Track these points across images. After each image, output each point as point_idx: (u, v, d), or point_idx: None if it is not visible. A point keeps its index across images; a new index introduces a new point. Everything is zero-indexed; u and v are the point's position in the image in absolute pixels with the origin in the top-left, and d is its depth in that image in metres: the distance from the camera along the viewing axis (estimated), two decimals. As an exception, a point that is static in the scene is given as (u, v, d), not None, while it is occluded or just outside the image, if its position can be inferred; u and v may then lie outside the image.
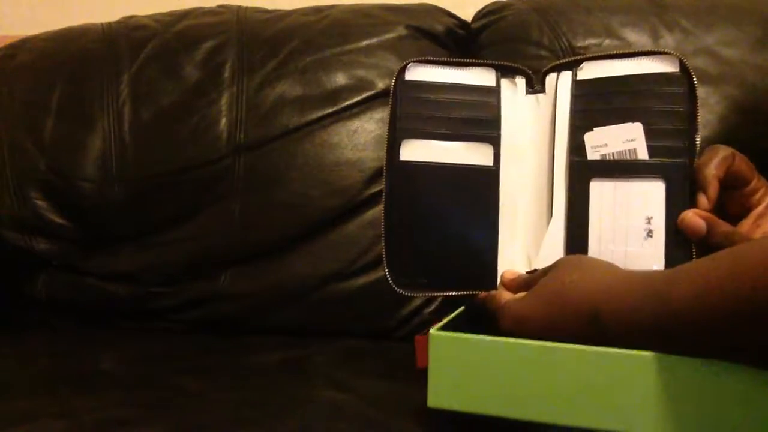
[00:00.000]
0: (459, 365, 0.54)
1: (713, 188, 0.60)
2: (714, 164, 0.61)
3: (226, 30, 1.08)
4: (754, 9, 1.01)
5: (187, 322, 1.02)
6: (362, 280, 0.97)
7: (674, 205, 0.62)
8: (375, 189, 1.00)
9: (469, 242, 0.67)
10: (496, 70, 0.71)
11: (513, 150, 0.69)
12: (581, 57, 0.69)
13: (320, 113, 1.02)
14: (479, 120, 0.69)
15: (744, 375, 0.46)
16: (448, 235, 0.66)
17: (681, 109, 0.64)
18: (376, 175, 1.00)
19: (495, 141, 0.69)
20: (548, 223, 0.66)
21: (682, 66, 0.64)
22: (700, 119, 0.63)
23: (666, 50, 0.66)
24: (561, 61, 0.70)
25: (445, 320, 0.60)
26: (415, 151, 0.68)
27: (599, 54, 0.68)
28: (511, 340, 0.53)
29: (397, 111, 0.68)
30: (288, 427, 0.59)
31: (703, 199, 0.60)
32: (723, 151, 0.62)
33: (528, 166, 0.69)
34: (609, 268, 0.55)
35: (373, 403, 0.66)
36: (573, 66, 0.69)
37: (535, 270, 0.63)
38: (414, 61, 0.70)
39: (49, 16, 1.32)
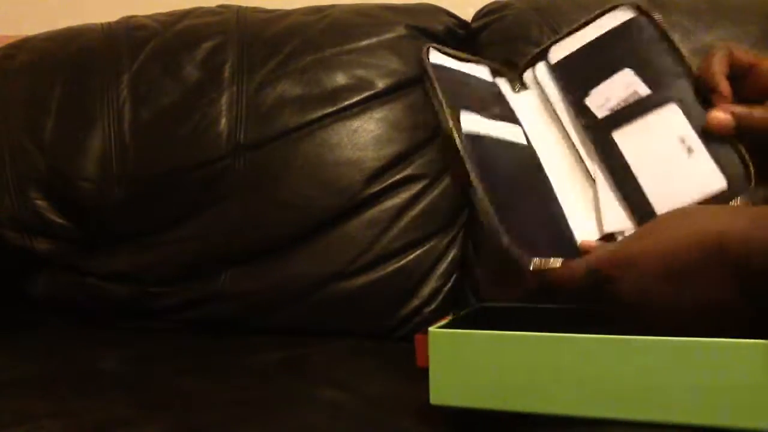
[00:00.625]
0: (459, 361, 0.54)
1: (723, 83, 0.60)
2: (714, 62, 0.61)
3: (226, 30, 1.08)
4: (755, 8, 1.01)
5: (187, 322, 1.02)
6: (362, 279, 0.97)
7: (696, 117, 0.62)
8: (375, 188, 1.00)
9: (549, 215, 0.65)
10: (488, 67, 0.73)
11: (531, 136, 0.70)
12: (545, 45, 0.70)
13: (320, 113, 1.02)
14: (499, 102, 0.70)
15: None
16: (533, 209, 0.65)
17: (654, 41, 0.66)
18: (376, 175, 1.00)
19: (518, 122, 0.70)
20: (594, 191, 0.66)
21: (637, 8, 0.67)
22: None
23: (617, 3, 0.68)
24: (530, 57, 0.72)
25: (445, 320, 0.60)
26: (472, 124, 0.65)
27: (560, 36, 0.69)
28: (510, 333, 0.53)
29: (437, 88, 0.65)
30: (288, 427, 0.59)
31: (718, 96, 0.60)
32: (719, 49, 0.62)
33: (548, 150, 0.70)
34: (722, 206, 0.54)
35: (373, 402, 0.66)
36: (543, 55, 0.71)
37: (611, 234, 0.62)
38: (433, 46, 0.70)
39: (49, 16, 1.32)
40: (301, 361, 0.82)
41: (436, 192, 1.02)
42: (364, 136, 1.02)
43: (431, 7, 1.12)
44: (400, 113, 1.03)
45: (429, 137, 1.04)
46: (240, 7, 1.14)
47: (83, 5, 1.35)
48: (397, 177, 1.01)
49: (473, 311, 0.66)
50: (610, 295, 0.51)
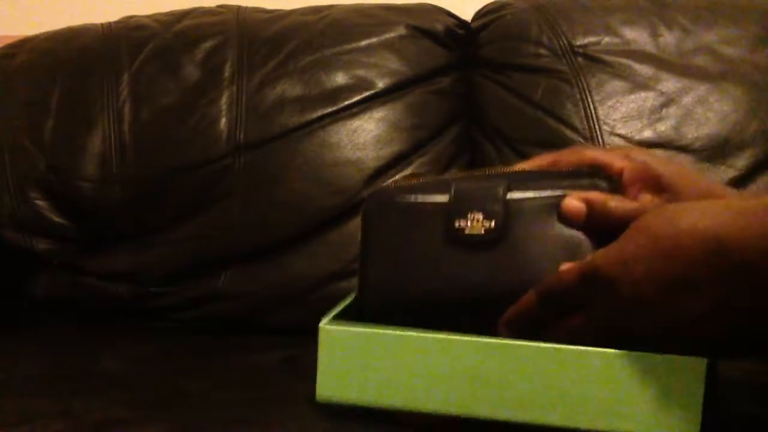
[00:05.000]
0: (347, 357, 0.55)
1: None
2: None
3: (226, 30, 1.08)
4: (755, 7, 1.01)
5: (187, 321, 1.02)
6: (362, 279, 0.97)
7: None
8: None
9: None
10: None
11: None
12: None
13: (320, 113, 1.02)
14: None
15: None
16: None
17: None
18: (376, 175, 1.00)
19: None
20: None
21: None
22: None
23: None
24: None
25: (335, 309, 0.61)
26: None
27: None
28: (403, 332, 0.54)
29: None
30: (288, 427, 0.59)
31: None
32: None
33: None
34: (717, 201, 0.50)
35: (373, 402, 0.66)
36: None
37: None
38: None
39: (49, 16, 1.32)
40: (301, 361, 0.82)
41: (436, 192, 1.02)
42: (364, 136, 1.02)
43: (431, 7, 1.12)
44: (400, 113, 1.03)
45: (429, 137, 1.04)
46: (240, 7, 1.14)
47: (83, 5, 1.35)
48: (397, 177, 1.01)
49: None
50: (607, 300, 0.49)
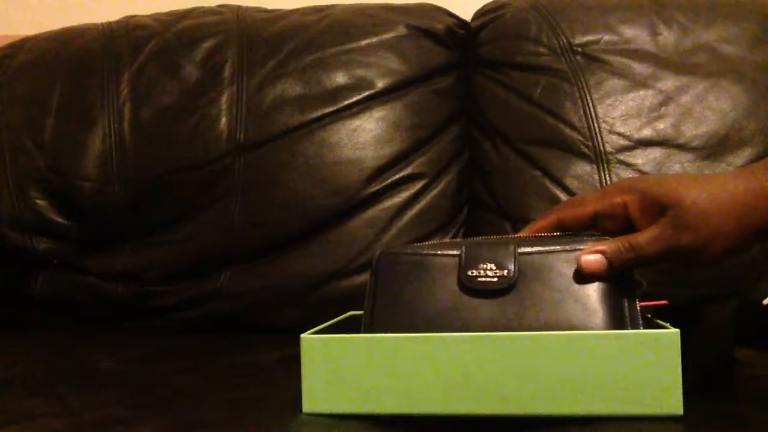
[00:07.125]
0: (332, 367, 0.56)
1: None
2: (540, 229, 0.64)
3: (226, 30, 1.08)
4: (754, 5, 1.01)
5: (187, 321, 1.02)
6: (362, 278, 0.97)
7: None
8: (375, 188, 1.00)
9: None
10: None
11: None
12: None
13: (320, 112, 1.02)
14: None
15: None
16: None
17: None
18: (375, 174, 1.00)
19: None
20: None
21: None
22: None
23: None
24: None
25: (321, 326, 0.62)
26: None
27: None
28: (384, 335, 0.55)
29: None
30: (287, 426, 0.59)
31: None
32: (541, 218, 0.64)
33: None
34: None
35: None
36: None
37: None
38: None
39: (49, 16, 1.32)
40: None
41: (435, 191, 1.02)
42: (364, 135, 1.02)
43: (431, 6, 1.12)
44: (400, 113, 1.03)
45: (429, 137, 1.04)
46: (240, 6, 1.14)
47: (83, 5, 1.35)
48: (397, 176, 1.01)
49: (348, 318, 0.69)
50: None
